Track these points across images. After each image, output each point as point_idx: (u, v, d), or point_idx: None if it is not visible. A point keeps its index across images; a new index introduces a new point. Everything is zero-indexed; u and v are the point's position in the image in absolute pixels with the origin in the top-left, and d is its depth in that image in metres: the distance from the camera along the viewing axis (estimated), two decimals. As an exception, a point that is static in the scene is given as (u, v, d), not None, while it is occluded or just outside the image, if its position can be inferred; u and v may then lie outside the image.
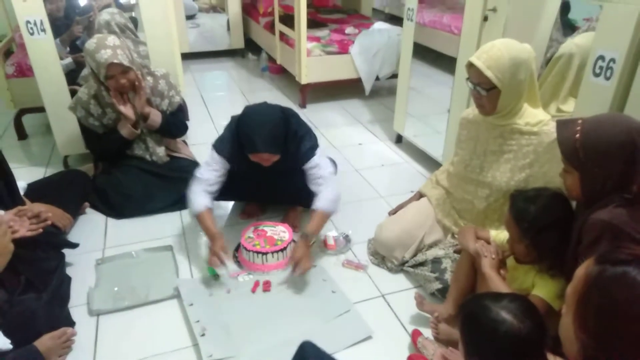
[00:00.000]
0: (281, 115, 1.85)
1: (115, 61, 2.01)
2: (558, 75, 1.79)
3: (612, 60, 1.45)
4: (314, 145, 1.92)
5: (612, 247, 1.08)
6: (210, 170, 1.90)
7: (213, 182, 1.90)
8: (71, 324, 1.61)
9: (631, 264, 0.81)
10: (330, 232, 2.09)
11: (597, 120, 1.20)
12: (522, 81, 1.53)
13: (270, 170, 1.91)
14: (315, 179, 1.88)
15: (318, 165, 1.90)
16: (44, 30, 2.31)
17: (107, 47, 2.01)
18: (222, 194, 2.19)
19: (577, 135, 1.17)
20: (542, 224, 1.29)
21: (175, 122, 2.34)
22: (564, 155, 1.22)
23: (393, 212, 2.10)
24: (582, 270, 0.88)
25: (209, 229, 1.84)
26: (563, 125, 1.23)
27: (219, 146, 1.91)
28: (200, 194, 1.87)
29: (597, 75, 1.51)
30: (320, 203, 1.83)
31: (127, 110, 2.15)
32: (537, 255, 1.34)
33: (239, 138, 1.84)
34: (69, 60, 2.72)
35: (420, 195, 2.02)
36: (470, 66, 1.54)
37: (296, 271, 1.77)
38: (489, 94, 1.54)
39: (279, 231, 1.99)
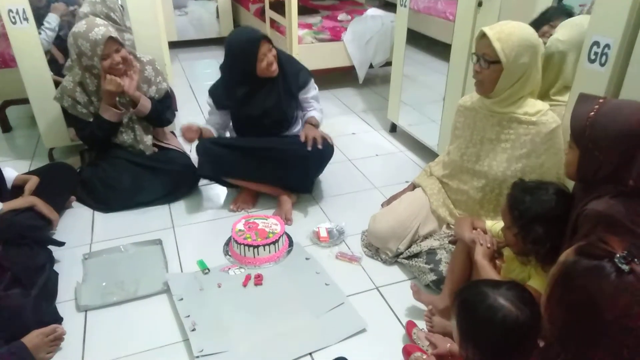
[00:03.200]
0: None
1: (113, 35, 2.01)
2: (552, 73, 1.78)
3: (607, 46, 1.43)
4: (306, 69, 2.22)
5: (595, 239, 1.07)
6: (211, 115, 2.22)
7: (218, 121, 2.22)
8: (58, 319, 1.58)
9: (604, 260, 0.80)
10: (323, 224, 2.06)
11: (617, 104, 1.17)
12: (525, 64, 1.52)
13: (267, 129, 2.16)
14: (308, 106, 2.25)
15: (315, 97, 2.24)
16: (26, 19, 2.25)
17: (100, 26, 2.01)
18: (220, 172, 2.17)
19: (592, 114, 1.14)
20: (533, 215, 1.28)
21: (163, 109, 2.29)
22: (572, 129, 1.19)
23: (386, 203, 2.08)
24: (562, 257, 0.87)
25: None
26: (583, 100, 1.20)
27: (212, 89, 2.18)
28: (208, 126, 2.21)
29: (592, 61, 1.49)
30: (311, 113, 2.23)
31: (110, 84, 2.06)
32: (523, 246, 1.33)
33: (232, 57, 2.06)
34: (51, 17, 2.63)
35: (414, 187, 1.99)
36: (482, 37, 1.55)
37: (309, 145, 2.04)
38: (490, 67, 1.54)
39: (271, 224, 1.96)
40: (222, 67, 2.15)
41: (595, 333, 0.81)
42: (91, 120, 2.18)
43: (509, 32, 1.50)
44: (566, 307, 0.84)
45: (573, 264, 0.83)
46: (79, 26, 2.01)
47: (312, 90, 2.22)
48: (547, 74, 1.80)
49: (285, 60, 2.14)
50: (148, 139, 2.28)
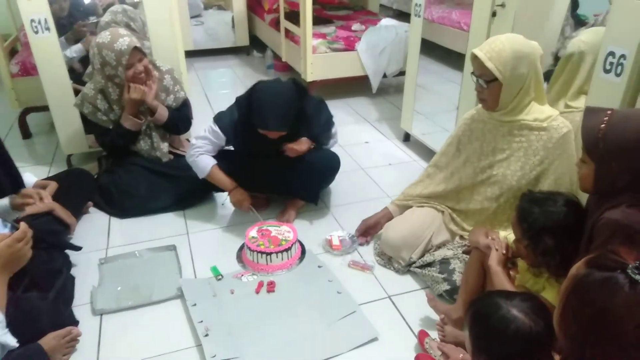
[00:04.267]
0: (294, 92, 1.91)
1: (138, 45, 2.06)
2: (570, 73, 1.78)
3: (623, 56, 1.43)
4: (330, 117, 2.14)
5: (605, 250, 1.06)
6: (205, 142, 2.01)
7: (209, 150, 2.03)
8: (74, 322, 1.60)
9: (616, 271, 0.79)
10: (336, 232, 2.07)
11: (627, 114, 1.17)
12: (523, 75, 1.52)
13: (274, 158, 2.04)
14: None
15: (332, 136, 2.17)
16: (48, 28, 2.31)
17: (124, 36, 2.06)
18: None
19: (602, 126, 1.14)
20: (541, 227, 1.28)
21: (180, 117, 2.33)
22: (585, 143, 1.19)
23: (358, 231, 2.04)
24: (573, 270, 0.87)
25: (225, 180, 2.02)
26: (591, 113, 1.20)
27: (220, 119, 2.01)
28: (203, 156, 2.01)
29: (607, 71, 1.48)
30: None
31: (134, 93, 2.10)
32: (534, 258, 1.32)
33: (248, 112, 1.90)
34: (77, 47, 2.65)
35: (391, 215, 1.97)
36: (474, 58, 1.56)
37: (287, 150, 1.97)
38: (489, 86, 1.54)
39: (284, 231, 1.97)
40: (240, 102, 2.01)
41: (612, 346, 0.80)
42: (111, 127, 2.22)
43: (499, 49, 1.50)
44: (580, 321, 0.83)
45: (585, 277, 0.83)
46: (103, 37, 2.05)
47: (330, 131, 2.17)
48: (565, 74, 1.80)
49: (311, 110, 2.03)
50: (164, 146, 2.32)
